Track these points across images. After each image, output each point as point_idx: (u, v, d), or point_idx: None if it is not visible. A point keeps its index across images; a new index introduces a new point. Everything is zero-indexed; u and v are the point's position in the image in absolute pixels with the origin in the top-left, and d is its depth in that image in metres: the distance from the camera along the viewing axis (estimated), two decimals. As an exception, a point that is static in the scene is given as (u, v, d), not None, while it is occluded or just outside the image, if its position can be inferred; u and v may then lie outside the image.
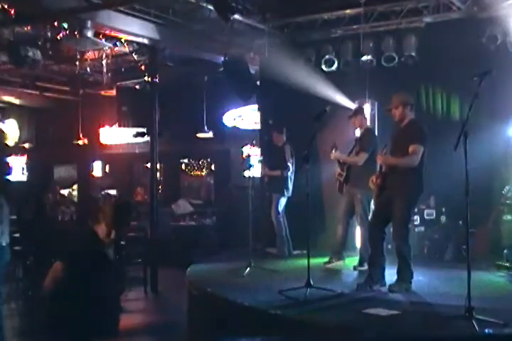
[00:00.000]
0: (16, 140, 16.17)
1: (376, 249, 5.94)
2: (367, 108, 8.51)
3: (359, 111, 7.40)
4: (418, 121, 5.99)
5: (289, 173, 8.12)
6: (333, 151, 7.16)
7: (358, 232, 7.57)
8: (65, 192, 14.39)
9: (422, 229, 7.92)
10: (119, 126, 12.02)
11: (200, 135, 12.62)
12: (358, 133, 7.36)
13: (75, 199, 14.54)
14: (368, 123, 8.39)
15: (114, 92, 12.98)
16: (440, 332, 4.38)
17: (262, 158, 9.57)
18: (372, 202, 7.52)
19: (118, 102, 11.09)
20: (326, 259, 7.23)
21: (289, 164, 8.12)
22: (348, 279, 6.70)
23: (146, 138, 9.67)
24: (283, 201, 8.15)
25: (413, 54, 8.23)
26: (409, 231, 5.96)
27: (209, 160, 13.97)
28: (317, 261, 6.94)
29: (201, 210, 12.35)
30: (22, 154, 16.03)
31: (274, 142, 8.47)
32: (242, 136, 11.97)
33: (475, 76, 4.76)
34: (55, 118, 15.03)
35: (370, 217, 6.54)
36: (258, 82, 9.82)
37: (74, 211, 11.36)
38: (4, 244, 5.91)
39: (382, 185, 5.88)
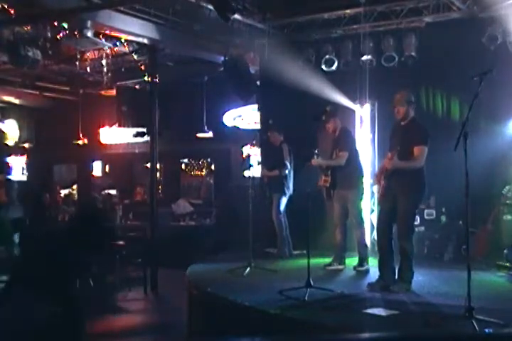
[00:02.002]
0: (16, 140, 16.17)
1: (385, 250, 5.94)
2: (367, 108, 8.52)
3: (330, 115, 7.28)
4: (418, 121, 5.99)
5: (286, 172, 8.10)
6: (315, 158, 7.09)
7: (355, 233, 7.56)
8: (65, 191, 14.40)
9: (422, 229, 7.91)
10: (119, 126, 12.01)
11: (200, 135, 12.62)
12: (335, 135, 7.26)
13: (75, 199, 14.55)
14: (366, 123, 8.43)
15: (114, 92, 12.98)
16: (440, 332, 4.38)
17: (260, 160, 9.56)
18: (373, 201, 7.55)
19: (118, 102, 11.09)
20: (327, 259, 7.22)
21: (287, 162, 8.11)
22: (348, 279, 6.71)
23: (146, 138, 9.68)
24: (284, 200, 8.14)
25: (413, 54, 8.23)
26: (414, 231, 5.97)
27: (209, 160, 13.97)
28: (317, 261, 6.93)
29: (201, 210, 12.36)
30: (22, 154, 16.03)
31: (271, 141, 8.46)
32: (242, 136, 11.97)
33: (475, 76, 4.77)
34: (55, 118, 15.02)
35: (376, 219, 6.53)
36: (258, 82, 9.82)
37: (74, 211, 11.37)
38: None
39: (387, 186, 5.88)
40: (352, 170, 7.02)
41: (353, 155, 7.08)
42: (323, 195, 7.27)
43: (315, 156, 7.08)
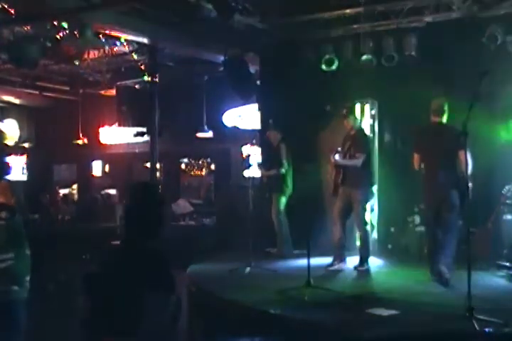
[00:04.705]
0: (16, 140, 16.17)
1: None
2: (367, 108, 8.52)
3: (352, 111, 7.41)
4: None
5: (283, 171, 8.09)
6: (336, 156, 7.13)
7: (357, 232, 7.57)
8: (64, 191, 14.41)
9: (422, 228, 7.90)
10: (119, 125, 12.03)
11: (200, 135, 12.62)
12: (351, 132, 7.32)
13: (75, 199, 14.56)
14: (367, 123, 8.43)
15: (114, 92, 12.98)
16: (440, 332, 4.38)
17: (260, 161, 9.56)
18: (372, 201, 7.56)
19: (118, 102, 11.09)
20: (327, 259, 7.22)
21: (284, 161, 8.11)
22: (348, 279, 6.70)
23: (146, 137, 9.68)
24: (283, 200, 8.13)
25: (413, 54, 8.22)
26: None
27: (209, 160, 13.97)
28: (317, 261, 6.93)
29: (201, 210, 12.36)
30: (22, 154, 16.03)
31: (269, 141, 8.47)
32: (242, 136, 11.97)
33: (475, 76, 4.78)
34: (55, 118, 15.03)
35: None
36: (258, 82, 9.82)
37: (74, 210, 11.38)
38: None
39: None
40: (364, 171, 7.04)
41: (368, 156, 7.11)
42: (321, 191, 7.27)
43: (336, 154, 7.09)
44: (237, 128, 12.71)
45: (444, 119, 6.32)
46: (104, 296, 2.95)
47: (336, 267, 7.06)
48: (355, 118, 7.39)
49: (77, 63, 11.27)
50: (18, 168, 15.78)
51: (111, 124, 14.23)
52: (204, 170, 14.08)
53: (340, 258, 7.14)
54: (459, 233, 6.35)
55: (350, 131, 7.25)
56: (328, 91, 8.49)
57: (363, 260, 7.01)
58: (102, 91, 13.65)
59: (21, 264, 4.56)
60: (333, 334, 4.60)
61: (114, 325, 2.89)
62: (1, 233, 4.43)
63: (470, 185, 5.62)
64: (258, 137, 9.84)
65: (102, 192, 13.48)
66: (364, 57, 8.43)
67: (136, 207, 3.05)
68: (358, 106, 8.38)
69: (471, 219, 4.66)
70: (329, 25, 8.86)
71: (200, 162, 14.09)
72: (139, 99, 10.44)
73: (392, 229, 8.30)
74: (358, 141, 7.12)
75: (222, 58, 9.41)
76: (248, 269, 6.83)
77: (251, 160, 10.65)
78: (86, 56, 11.03)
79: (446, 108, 6.35)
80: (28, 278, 4.59)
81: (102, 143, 14.85)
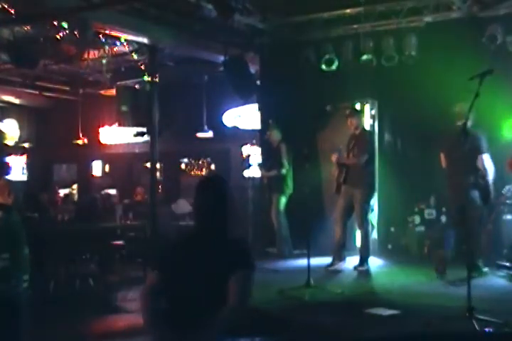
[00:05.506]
0: (16, 139, 16.16)
1: None
2: (367, 108, 8.53)
3: (356, 111, 7.45)
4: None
5: (284, 171, 8.10)
6: (337, 155, 7.14)
7: (358, 232, 7.57)
8: (65, 191, 14.40)
9: (422, 228, 7.92)
10: (119, 125, 12.00)
11: (200, 135, 12.62)
12: (356, 132, 7.34)
13: (75, 199, 14.55)
14: (367, 123, 8.44)
15: (114, 92, 12.96)
16: (441, 332, 4.38)
17: (260, 162, 9.57)
18: (372, 201, 7.55)
19: (118, 102, 11.06)
20: (327, 259, 7.22)
21: (284, 162, 8.12)
22: (348, 279, 6.70)
23: (146, 137, 9.68)
24: (283, 200, 8.14)
25: (413, 53, 8.22)
26: None
27: (209, 159, 13.96)
28: (317, 261, 6.93)
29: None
30: (22, 154, 16.02)
31: (269, 141, 8.48)
32: (242, 136, 11.97)
33: (475, 76, 4.77)
34: (55, 118, 15.03)
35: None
36: (258, 82, 9.82)
37: (74, 210, 11.35)
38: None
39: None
40: (366, 171, 7.06)
41: (371, 157, 7.13)
42: (321, 191, 7.28)
43: (337, 153, 7.11)
44: (237, 128, 12.70)
45: (469, 123, 6.29)
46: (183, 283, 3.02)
47: (335, 267, 7.06)
48: (361, 117, 7.40)
49: (77, 63, 11.27)
50: (18, 168, 15.78)
51: (111, 124, 14.21)
52: (204, 170, 14.07)
53: (340, 258, 7.14)
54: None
55: (355, 131, 7.25)
56: (328, 91, 8.50)
57: (363, 260, 7.01)
58: (102, 91, 13.63)
59: (18, 263, 4.56)
60: (333, 334, 4.60)
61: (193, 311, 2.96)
62: None
63: (491, 187, 5.65)
64: (258, 137, 9.84)
65: (102, 192, 13.44)
66: (364, 57, 8.44)
67: (212, 198, 3.16)
68: (358, 106, 8.39)
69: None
70: (329, 25, 8.87)
71: (200, 162, 14.08)
72: (139, 99, 10.42)
73: (392, 229, 8.31)
74: (363, 140, 7.14)
75: (222, 58, 9.41)
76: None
77: (251, 160, 10.66)
78: (86, 56, 11.02)
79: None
80: (26, 277, 4.60)
81: (102, 143, 14.85)
